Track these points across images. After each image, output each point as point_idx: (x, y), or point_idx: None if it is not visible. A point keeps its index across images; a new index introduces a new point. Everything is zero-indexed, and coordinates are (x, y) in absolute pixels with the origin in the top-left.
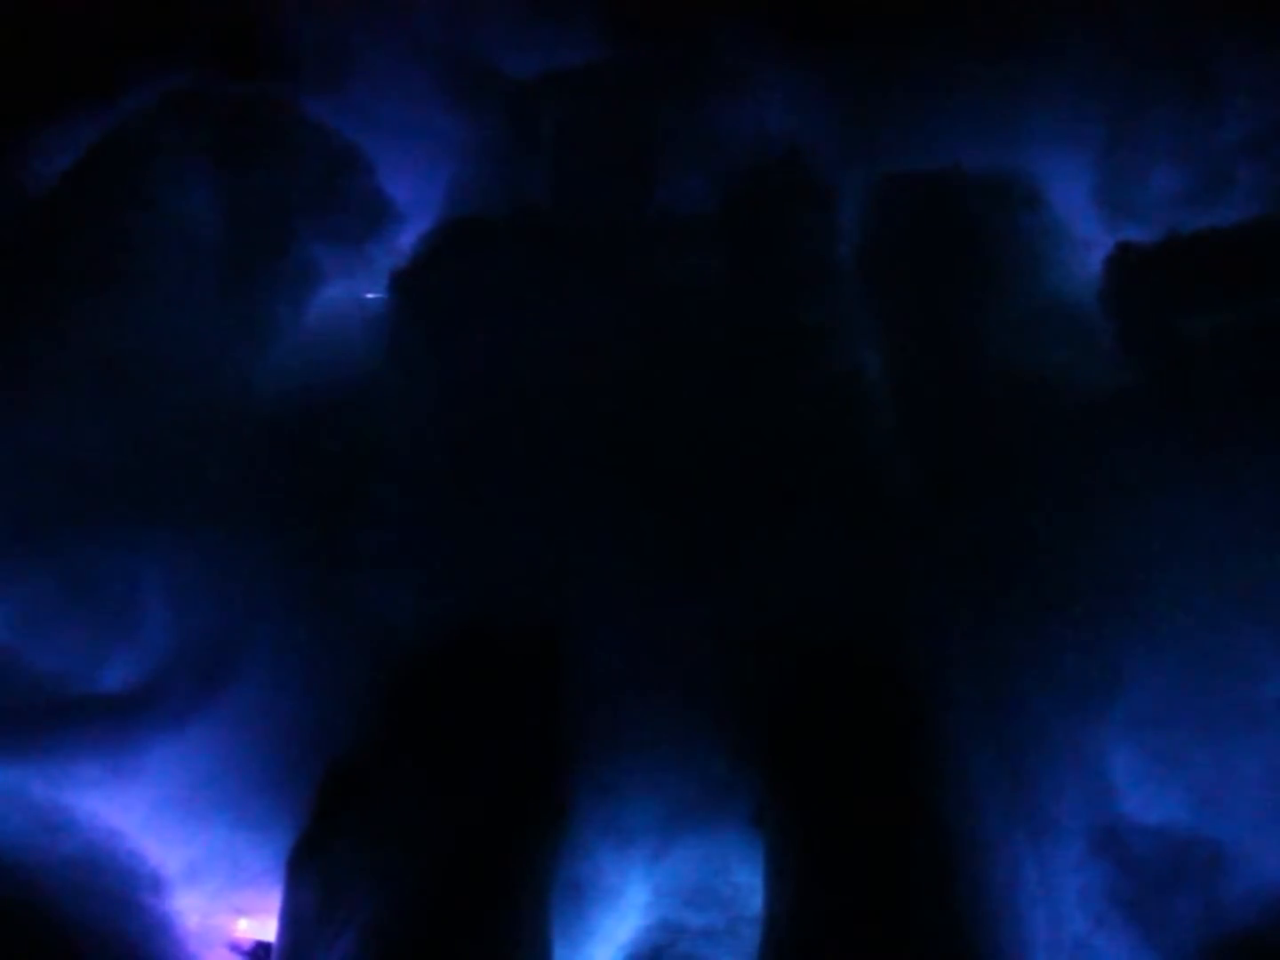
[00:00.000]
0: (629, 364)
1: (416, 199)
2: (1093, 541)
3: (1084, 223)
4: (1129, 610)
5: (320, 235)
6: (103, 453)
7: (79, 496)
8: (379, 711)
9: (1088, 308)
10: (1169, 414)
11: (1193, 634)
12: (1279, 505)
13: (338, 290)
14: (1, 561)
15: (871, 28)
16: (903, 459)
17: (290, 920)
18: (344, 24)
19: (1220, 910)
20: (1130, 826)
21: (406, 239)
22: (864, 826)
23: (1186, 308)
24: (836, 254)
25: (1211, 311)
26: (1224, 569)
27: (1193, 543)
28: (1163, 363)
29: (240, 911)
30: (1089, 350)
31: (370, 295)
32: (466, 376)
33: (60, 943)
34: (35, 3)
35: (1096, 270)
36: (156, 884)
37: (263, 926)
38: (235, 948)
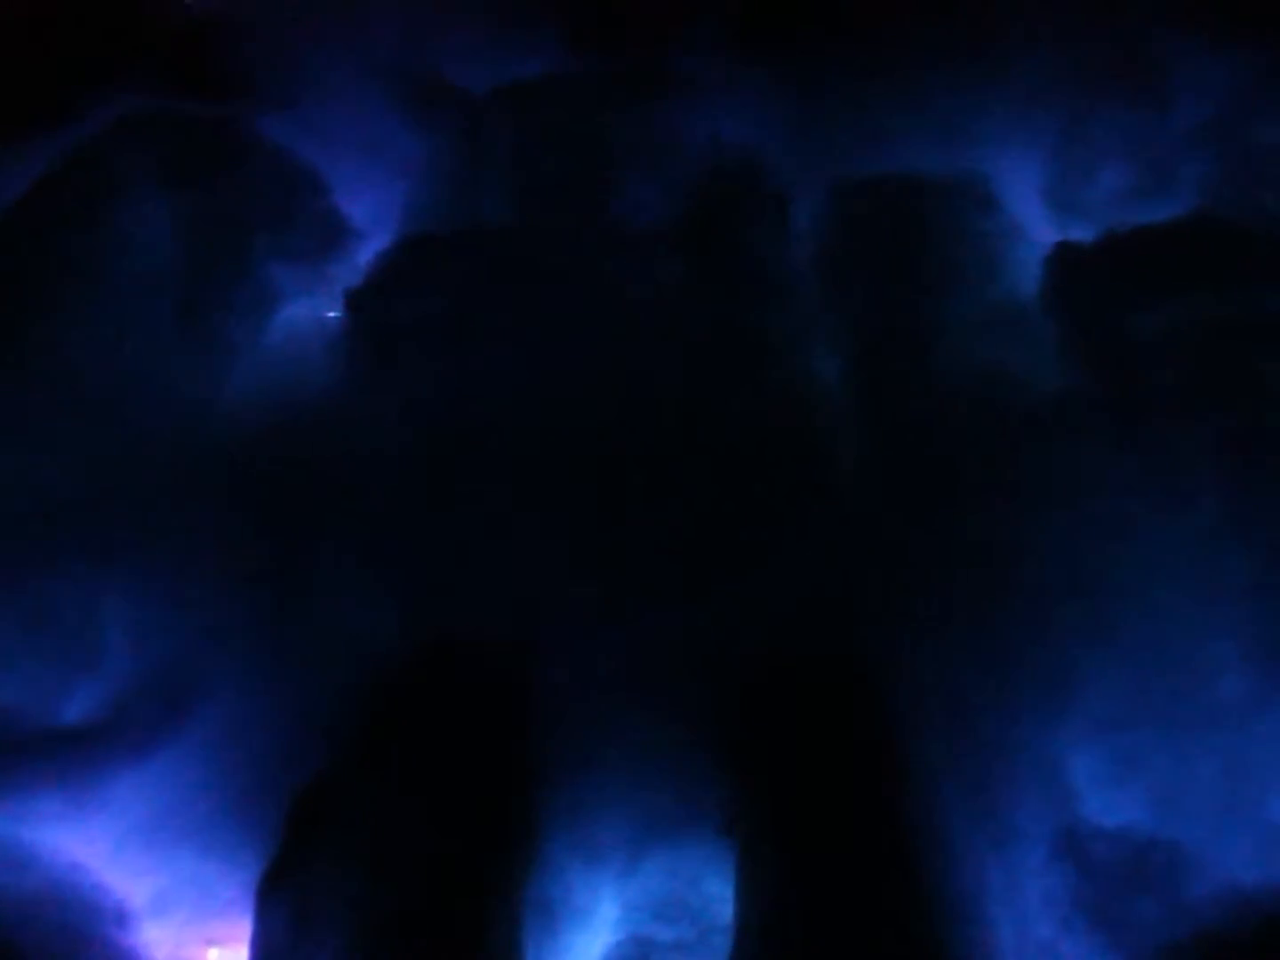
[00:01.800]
0: (589, 377)
1: (374, 216)
2: (1049, 544)
3: (1040, 224)
4: (1084, 613)
5: (278, 255)
6: (59, 479)
7: (36, 525)
8: (346, 735)
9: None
10: (1122, 413)
11: (1149, 636)
12: (1231, 504)
13: (297, 310)
14: None
15: (824, 36)
16: (861, 463)
17: (262, 949)
18: (299, 44)
19: (1182, 911)
20: (1091, 830)
21: (365, 257)
22: (831, 835)
23: (1128, 306)
24: (794, 260)
25: (1154, 309)
26: (1179, 570)
27: (1147, 545)
28: (1110, 362)
29: (211, 941)
30: (1046, 351)
31: (330, 314)
32: (428, 393)
33: None
34: None
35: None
36: (123, 917)
37: (234, 956)
38: None
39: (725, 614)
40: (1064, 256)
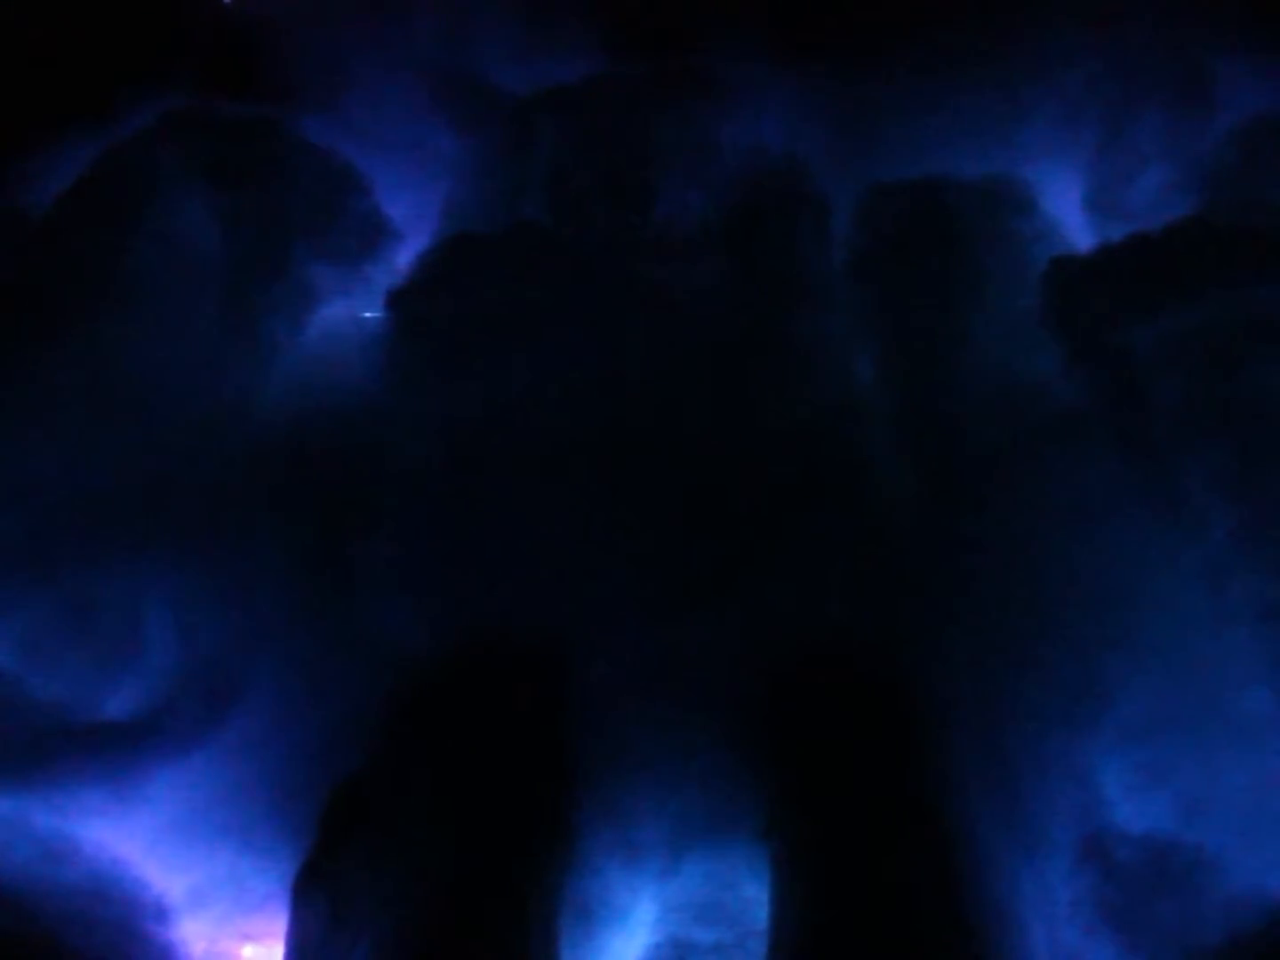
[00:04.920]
0: (627, 378)
1: (414, 217)
2: (1080, 554)
3: (1077, 228)
4: (1116, 624)
5: (318, 254)
6: (103, 476)
7: (80, 521)
8: (384, 733)
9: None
10: (1145, 426)
11: (1178, 647)
12: (1262, 519)
13: (336, 309)
14: (3, 588)
15: (864, 41)
16: (897, 468)
17: (297, 944)
18: (340, 44)
19: (1207, 916)
20: (1119, 836)
21: (404, 257)
22: (867, 840)
23: (1130, 317)
24: (832, 263)
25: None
26: (1209, 583)
27: (1179, 556)
28: (1121, 374)
29: (246, 937)
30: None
31: (368, 314)
32: (466, 393)
33: None
34: (32, 25)
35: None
36: (161, 911)
37: (269, 952)
38: None
39: (761, 618)
40: (1057, 274)
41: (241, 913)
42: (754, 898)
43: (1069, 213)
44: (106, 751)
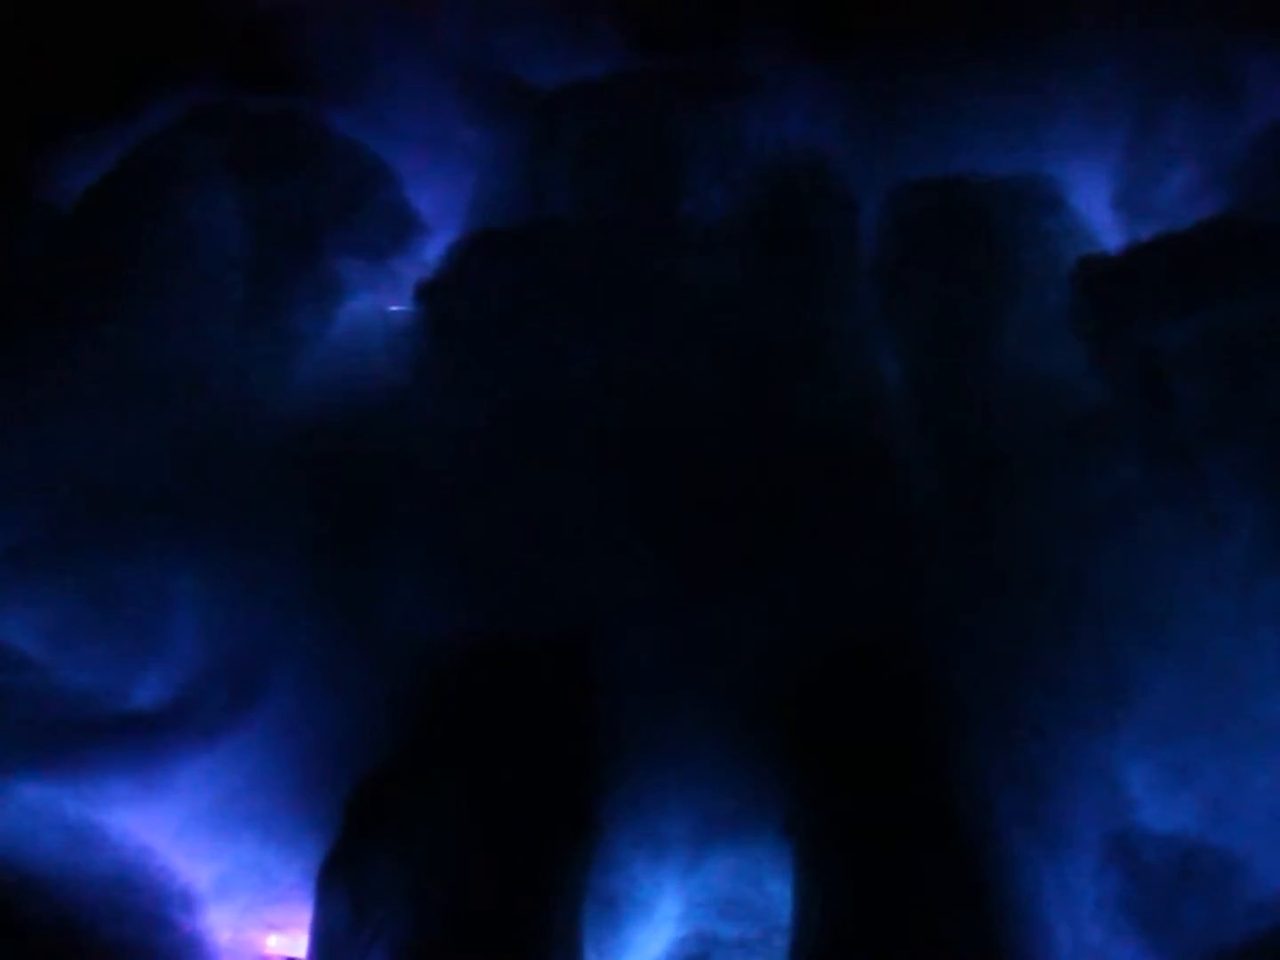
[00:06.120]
0: (653, 373)
1: (441, 211)
2: (1106, 553)
3: (1106, 226)
4: (1141, 625)
5: (345, 248)
6: (129, 468)
7: (108, 512)
8: (408, 725)
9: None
10: (1172, 426)
11: (1204, 647)
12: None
13: (363, 303)
14: (31, 577)
15: (892, 35)
16: (922, 465)
17: (321, 935)
18: (367, 37)
19: (1232, 919)
20: (1143, 837)
21: (431, 251)
22: (891, 838)
23: (1158, 316)
24: (858, 260)
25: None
26: (1236, 584)
27: (1205, 556)
28: (1148, 375)
29: (271, 927)
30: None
31: (395, 308)
32: (492, 388)
33: None
34: (60, 18)
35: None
36: (187, 900)
37: (293, 942)
38: None
39: (785, 614)
40: (1086, 274)
41: (267, 902)
42: (779, 894)
43: (1097, 211)
44: (133, 741)
